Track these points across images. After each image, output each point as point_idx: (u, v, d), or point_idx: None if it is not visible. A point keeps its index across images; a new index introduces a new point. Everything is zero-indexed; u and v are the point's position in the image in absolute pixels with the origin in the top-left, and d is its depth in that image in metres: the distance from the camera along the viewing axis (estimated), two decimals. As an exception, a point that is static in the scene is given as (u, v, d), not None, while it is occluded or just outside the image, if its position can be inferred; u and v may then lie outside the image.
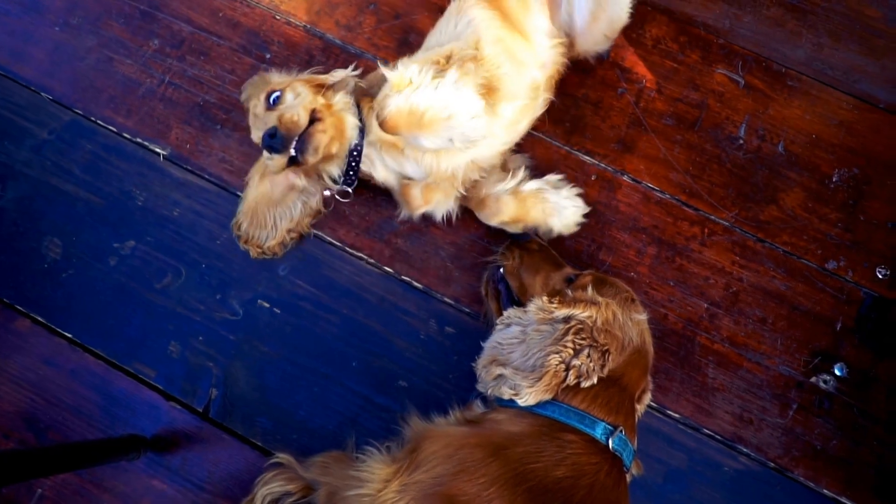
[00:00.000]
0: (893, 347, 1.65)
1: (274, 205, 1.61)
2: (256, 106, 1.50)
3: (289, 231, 1.63)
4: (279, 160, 1.41)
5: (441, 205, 1.58)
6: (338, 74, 1.55)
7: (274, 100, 1.46)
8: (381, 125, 1.39)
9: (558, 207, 1.56)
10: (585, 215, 1.63)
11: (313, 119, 1.42)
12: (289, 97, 1.46)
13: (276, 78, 1.55)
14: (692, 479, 1.58)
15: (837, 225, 1.73)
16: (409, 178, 1.55)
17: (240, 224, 1.62)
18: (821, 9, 1.87)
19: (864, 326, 1.67)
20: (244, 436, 1.59)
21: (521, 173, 1.58)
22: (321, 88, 1.51)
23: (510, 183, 1.55)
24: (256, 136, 1.50)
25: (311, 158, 1.42)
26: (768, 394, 1.62)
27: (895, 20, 1.86)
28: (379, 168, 1.55)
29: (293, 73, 1.58)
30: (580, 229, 1.68)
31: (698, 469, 1.58)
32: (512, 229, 1.58)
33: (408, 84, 1.35)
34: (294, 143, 1.39)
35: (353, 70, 1.59)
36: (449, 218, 1.64)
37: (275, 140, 1.38)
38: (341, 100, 1.49)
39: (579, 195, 1.61)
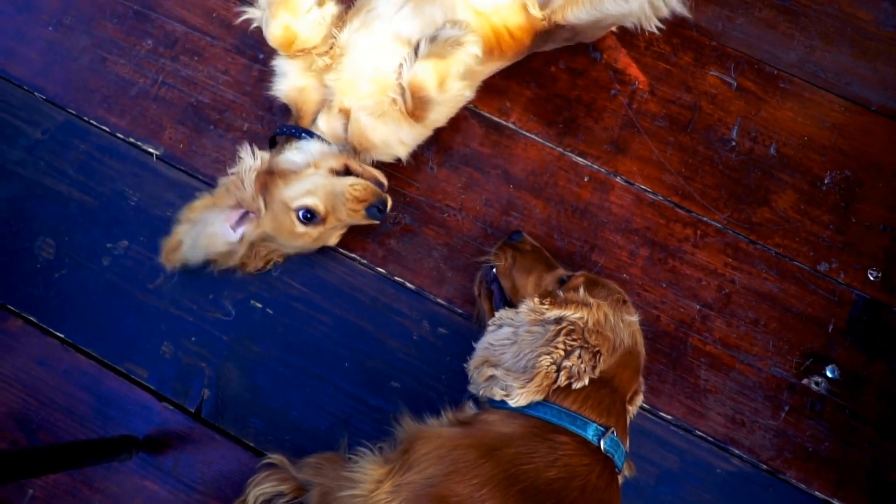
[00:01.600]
0: (885, 349, 1.66)
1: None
2: (292, 231, 1.51)
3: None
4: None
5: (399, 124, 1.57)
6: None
7: (306, 216, 1.49)
8: (276, 45, 1.54)
9: (456, 41, 1.46)
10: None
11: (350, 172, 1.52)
12: (313, 202, 1.48)
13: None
14: (684, 480, 1.58)
15: (829, 227, 1.73)
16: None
17: (243, 262, 1.61)
18: (812, 11, 1.88)
19: (856, 328, 1.67)
20: (236, 436, 1.59)
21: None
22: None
23: (411, 54, 1.50)
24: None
25: None
26: (760, 395, 1.63)
27: (887, 23, 1.88)
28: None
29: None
30: (575, 231, 1.69)
31: (690, 471, 1.59)
32: (454, 88, 1.53)
33: None
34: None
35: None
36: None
37: (383, 211, 1.50)
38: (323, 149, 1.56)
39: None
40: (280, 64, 1.62)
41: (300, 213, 1.48)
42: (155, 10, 1.86)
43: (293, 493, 1.42)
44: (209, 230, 1.52)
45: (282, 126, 1.62)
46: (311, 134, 1.57)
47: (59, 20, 1.85)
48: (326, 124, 1.59)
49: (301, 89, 1.60)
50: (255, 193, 1.50)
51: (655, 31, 1.63)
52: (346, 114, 1.57)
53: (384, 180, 1.54)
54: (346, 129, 1.57)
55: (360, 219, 1.50)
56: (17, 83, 1.80)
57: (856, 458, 1.60)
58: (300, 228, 1.50)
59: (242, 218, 1.54)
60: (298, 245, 1.56)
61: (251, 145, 1.54)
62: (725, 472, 1.59)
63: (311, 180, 1.49)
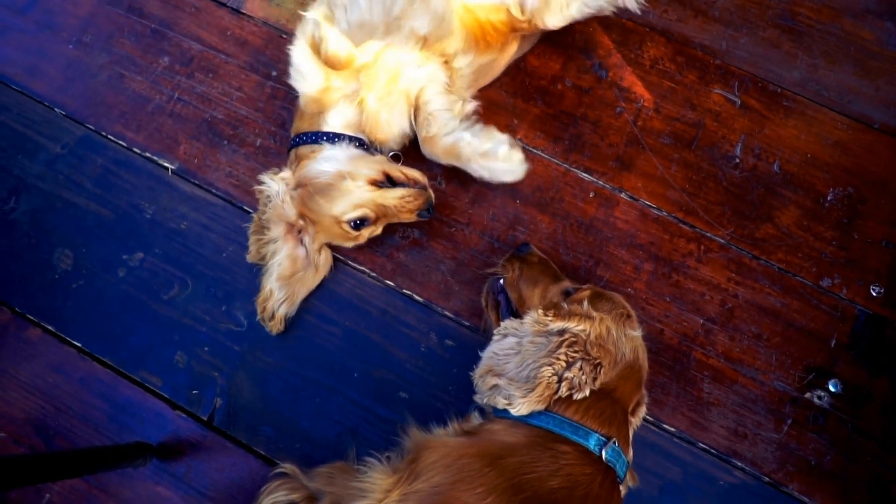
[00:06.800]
0: (887, 365, 1.67)
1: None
2: (346, 236, 1.62)
3: None
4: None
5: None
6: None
7: (358, 224, 1.59)
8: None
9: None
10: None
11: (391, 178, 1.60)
12: (363, 213, 1.57)
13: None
14: (687, 492, 1.59)
15: (832, 243, 1.75)
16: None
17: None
18: (816, 31, 1.91)
19: (859, 343, 1.69)
20: (248, 444, 1.61)
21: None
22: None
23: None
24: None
25: None
26: (763, 409, 1.64)
27: (889, 42, 1.90)
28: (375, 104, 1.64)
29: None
30: (580, 245, 1.72)
31: (693, 482, 1.60)
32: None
33: None
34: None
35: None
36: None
37: (431, 210, 1.62)
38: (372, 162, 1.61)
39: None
40: (302, 64, 1.60)
41: (352, 224, 1.58)
42: (172, 29, 1.91)
43: (305, 502, 1.43)
44: (286, 265, 1.61)
45: (302, 135, 1.63)
46: (332, 137, 1.61)
47: (80, 38, 1.90)
48: (341, 118, 1.62)
49: (325, 89, 1.59)
50: (298, 214, 1.59)
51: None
52: (362, 104, 1.62)
53: (424, 180, 1.61)
54: (360, 117, 1.63)
55: (412, 219, 1.62)
56: (38, 99, 1.86)
57: (858, 473, 1.61)
58: (353, 233, 1.60)
59: (300, 233, 1.62)
60: (353, 243, 1.66)
61: (268, 172, 1.61)
62: (728, 485, 1.60)
63: (356, 195, 1.56)
